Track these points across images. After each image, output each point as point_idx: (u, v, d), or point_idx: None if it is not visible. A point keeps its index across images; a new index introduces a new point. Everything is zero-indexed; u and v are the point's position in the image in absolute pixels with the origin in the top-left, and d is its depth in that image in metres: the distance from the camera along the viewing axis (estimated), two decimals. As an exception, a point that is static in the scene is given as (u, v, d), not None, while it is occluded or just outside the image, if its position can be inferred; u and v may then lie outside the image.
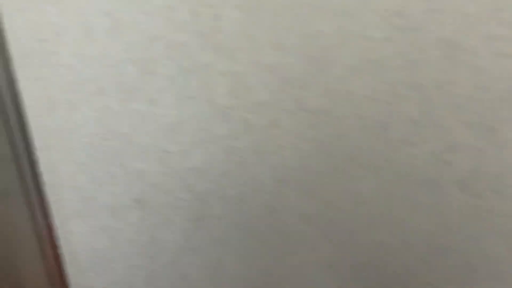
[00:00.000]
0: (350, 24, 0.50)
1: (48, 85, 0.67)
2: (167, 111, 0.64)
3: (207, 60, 0.57)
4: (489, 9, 0.47)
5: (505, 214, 0.56)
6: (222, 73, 0.58)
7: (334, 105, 0.55)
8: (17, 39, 0.64)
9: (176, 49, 0.58)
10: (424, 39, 0.50)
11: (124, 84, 0.64)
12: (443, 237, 0.60)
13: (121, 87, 0.64)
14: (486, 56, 0.49)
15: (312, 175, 0.61)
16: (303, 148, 0.59)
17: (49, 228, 0.86)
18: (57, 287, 0.92)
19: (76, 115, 0.69)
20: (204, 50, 0.57)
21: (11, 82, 0.69)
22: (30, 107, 0.71)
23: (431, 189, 0.58)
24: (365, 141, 0.56)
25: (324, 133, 0.57)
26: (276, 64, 0.54)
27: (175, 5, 0.55)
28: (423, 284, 0.63)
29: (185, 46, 0.58)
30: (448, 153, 0.55)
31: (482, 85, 0.51)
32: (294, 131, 0.59)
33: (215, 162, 0.66)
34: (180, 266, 0.80)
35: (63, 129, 0.71)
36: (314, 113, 0.56)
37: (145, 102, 0.64)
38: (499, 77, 0.50)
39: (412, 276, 0.63)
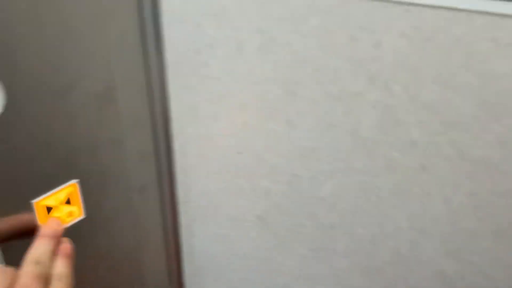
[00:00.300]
0: (543, 67, 0.41)
1: (195, 94, 0.69)
2: (304, 135, 0.61)
3: (357, 88, 0.53)
4: None
5: None
6: (372, 104, 0.53)
7: (504, 158, 0.46)
8: (173, 48, 0.67)
9: (326, 73, 0.55)
10: None
11: (266, 102, 0.62)
12: None
13: (262, 105, 0.63)
14: None
15: (460, 232, 0.53)
16: (454, 200, 0.51)
17: (176, 225, 0.89)
18: (174, 282, 0.96)
19: (216, 126, 0.70)
20: (356, 77, 0.53)
21: (163, 88, 0.72)
22: (176, 112, 0.74)
23: None
24: (538, 207, 0.46)
25: (485, 188, 0.49)
26: (438, 102, 0.48)
27: (333, 29, 0.51)
28: None
29: (336, 72, 0.54)
30: None
31: None
32: (446, 180, 0.51)
33: (347, 196, 0.61)
34: (292, 292, 0.77)
35: (202, 137, 0.73)
36: (476, 164, 0.48)
37: (284, 123, 0.62)
38: None
39: None
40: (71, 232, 0.70)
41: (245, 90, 0.63)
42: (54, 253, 0.46)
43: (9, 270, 0.42)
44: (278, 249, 0.76)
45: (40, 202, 0.64)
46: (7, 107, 0.52)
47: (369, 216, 0.60)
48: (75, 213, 0.70)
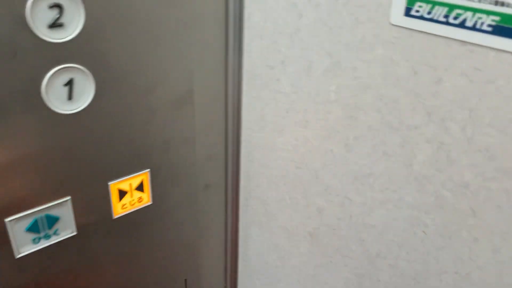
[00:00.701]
0: None
1: (264, 106, 0.73)
2: (360, 160, 0.62)
3: (415, 122, 0.53)
4: None
5: None
6: (428, 139, 0.52)
7: (561, 217, 0.43)
8: (251, 61, 0.72)
9: (386, 103, 0.55)
10: None
11: (327, 123, 0.64)
12: None
13: (323, 125, 0.65)
14: None
15: (507, 287, 0.50)
16: (503, 251, 0.49)
17: (236, 227, 0.94)
18: (229, 281, 1.00)
19: (280, 138, 0.73)
20: (415, 111, 0.52)
21: (238, 97, 0.77)
22: (246, 120, 0.79)
23: None
24: None
25: (537, 246, 0.46)
26: (494, 147, 0.46)
27: (397, 60, 0.52)
28: None
29: (396, 102, 0.54)
30: None
31: None
32: (496, 228, 0.48)
33: (395, 228, 0.60)
34: (333, 313, 0.77)
35: (266, 147, 0.77)
36: (530, 218, 0.45)
37: (341, 145, 0.63)
38: None
39: None
40: (139, 216, 0.78)
41: (309, 108, 0.66)
42: None
43: None
44: (325, 268, 0.76)
45: (115, 184, 0.73)
46: (97, 98, 0.60)
47: (415, 251, 0.59)
48: (144, 199, 0.78)
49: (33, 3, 0.51)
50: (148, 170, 0.73)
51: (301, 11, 0.61)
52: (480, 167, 0.48)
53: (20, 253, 0.61)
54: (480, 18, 0.43)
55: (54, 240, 0.64)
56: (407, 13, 0.49)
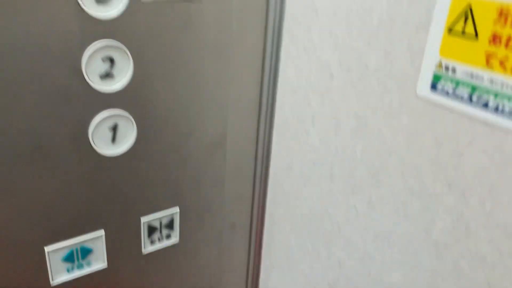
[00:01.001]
0: None
1: (292, 154, 0.76)
2: (381, 219, 0.63)
3: (436, 190, 0.54)
4: None
5: None
6: (448, 209, 0.53)
7: None
8: (282, 113, 0.76)
9: (409, 169, 0.57)
10: None
11: (352, 179, 0.66)
12: None
13: (348, 181, 0.67)
14: None
15: None
16: (518, 330, 0.49)
17: (258, 268, 0.96)
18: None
19: (306, 187, 0.76)
20: (436, 180, 0.54)
21: (268, 145, 0.81)
22: (274, 167, 0.82)
23: None
24: None
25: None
26: (513, 225, 0.47)
27: (421, 130, 0.54)
28: None
29: (419, 170, 0.56)
30: None
31: None
32: (512, 306, 0.49)
33: (413, 290, 0.61)
34: None
35: (292, 195, 0.80)
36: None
37: (364, 202, 0.65)
38: None
39: None
40: (166, 253, 0.81)
41: (335, 164, 0.68)
42: None
43: None
44: (342, 320, 0.77)
45: (147, 220, 0.77)
46: (138, 142, 0.65)
47: (431, 317, 0.59)
48: (172, 236, 0.82)
49: (90, 56, 0.57)
50: (178, 208, 0.77)
51: (333, 73, 0.65)
52: (498, 242, 0.49)
53: (55, 281, 0.65)
54: (502, 101, 0.45)
55: (86, 271, 0.68)
56: (433, 87, 0.51)
